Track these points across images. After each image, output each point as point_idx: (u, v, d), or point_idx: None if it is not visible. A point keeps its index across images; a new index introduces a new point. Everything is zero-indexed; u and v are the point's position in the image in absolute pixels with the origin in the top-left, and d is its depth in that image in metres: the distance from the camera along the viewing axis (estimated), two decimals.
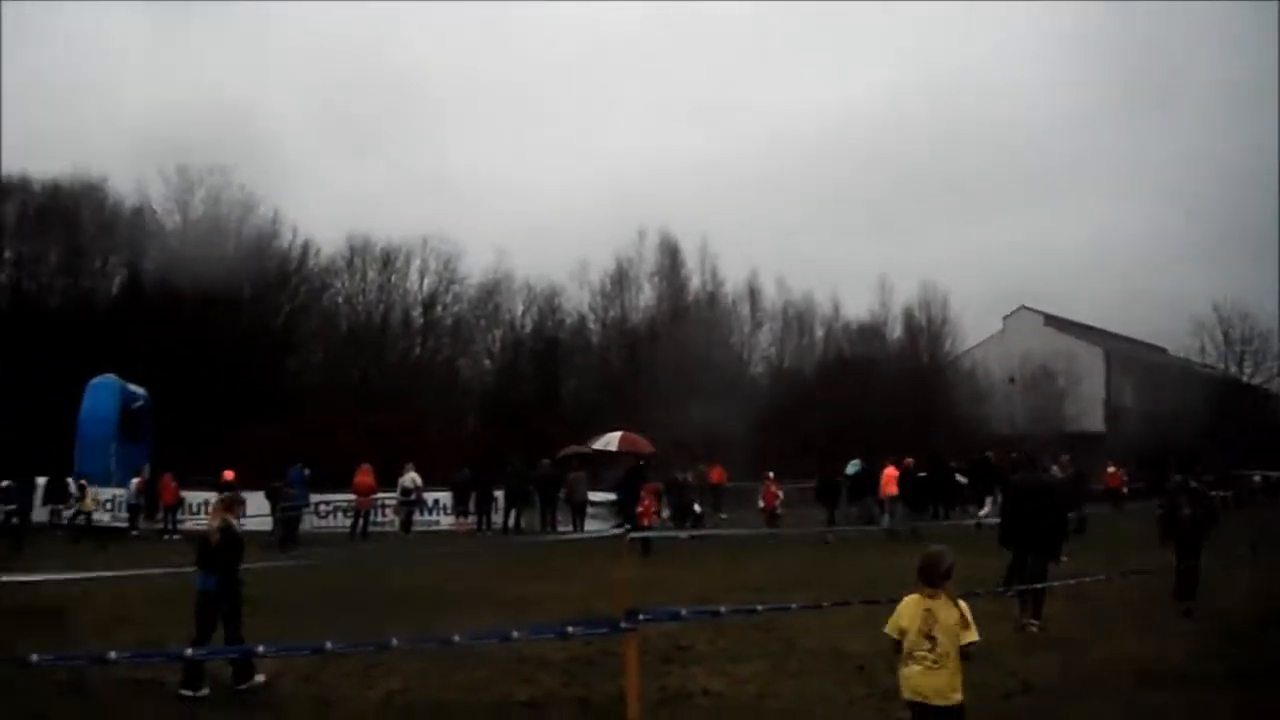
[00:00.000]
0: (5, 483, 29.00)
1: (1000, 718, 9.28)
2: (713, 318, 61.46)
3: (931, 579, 6.99)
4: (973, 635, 6.89)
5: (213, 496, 30.83)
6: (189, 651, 7.87)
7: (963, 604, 6.94)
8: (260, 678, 10.78)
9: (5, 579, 14.20)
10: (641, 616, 7.79)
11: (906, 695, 6.97)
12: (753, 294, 62.87)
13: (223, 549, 11.25)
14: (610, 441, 34.32)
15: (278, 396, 50.09)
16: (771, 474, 32.24)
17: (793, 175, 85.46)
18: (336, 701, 10.35)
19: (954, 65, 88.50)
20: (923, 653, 6.85)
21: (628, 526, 21.40)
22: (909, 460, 30.93)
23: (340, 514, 32.17)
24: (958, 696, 6.82)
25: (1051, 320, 66.44)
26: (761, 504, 31.74)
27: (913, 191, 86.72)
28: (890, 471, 30.54)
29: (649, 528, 25.27)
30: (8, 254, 57.58)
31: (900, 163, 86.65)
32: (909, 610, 6.99)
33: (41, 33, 78.33)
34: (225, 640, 10.79)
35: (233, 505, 12.00)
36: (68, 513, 30.71)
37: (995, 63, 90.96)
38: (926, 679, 6.84)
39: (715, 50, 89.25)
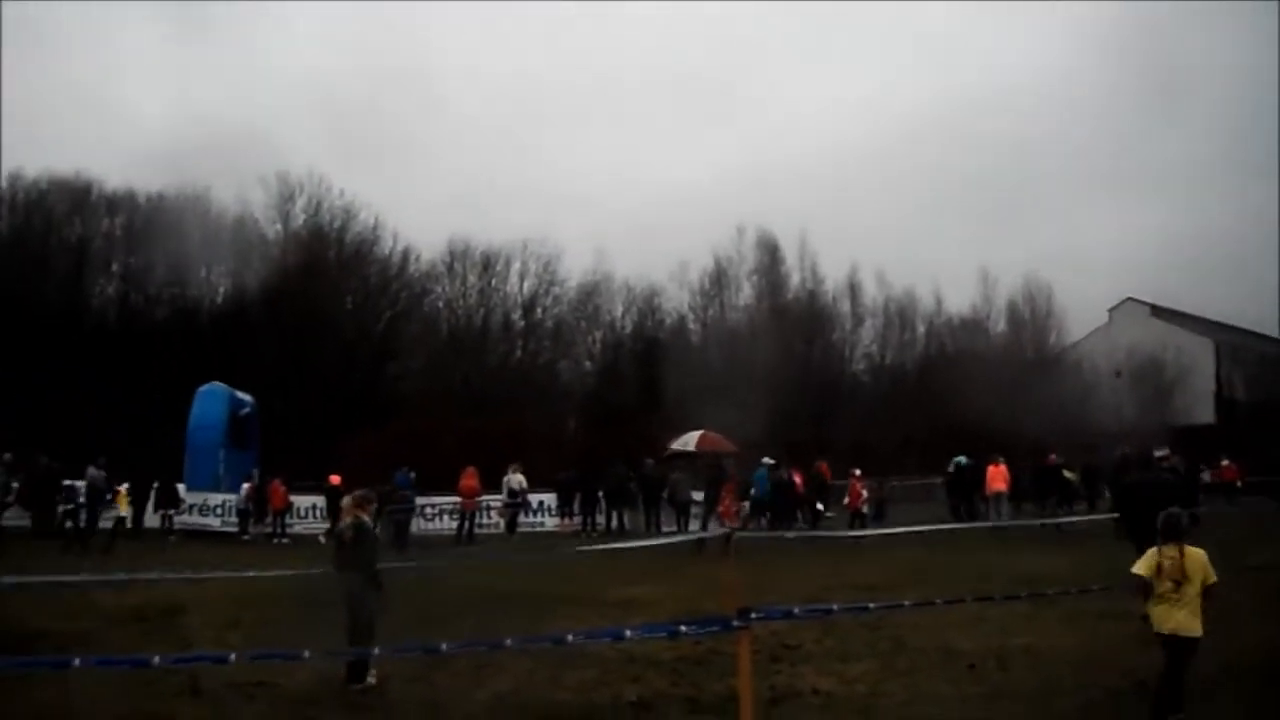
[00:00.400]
0: (67, 481, 30.06)
1: (1118, 717, 9.14)
2: (813, 315, 61.07)
3: (1174, 534, 8.70)
4: (1213, 577, 8.56)
5: (320, 501, 31.76)
6: (306, 653, 7.98)
7: (1201, 552, 8.63)
8: (371, 679, 10.95)
9: (122, 578, 14.61)
10: (754, 615, 7.76)
11: (1162, 630, 8.60)
12: (853, 290, 62.17)
13: (356, 545, 11.57)
14: (689, 441, 33.62)
15: (380, 401, 50.75)
16: (858, 471, 31.82)
17: (892, 169, 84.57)
18: (446, 702, 10.42)
19: (1057, 57, 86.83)
20: (1173, 594, 8.54)
21: (730, 528, 21.43)
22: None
23: (446, 516, 32.49)
24: (1199, 629, 8.51)
25: (1159, 311, 64.97)
26: (847, 501, 31.32)
27: (1015, 182, 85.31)
28: (996, 468, 30.19)
29: (730, 527, 25.06)
30: (115, 267, 59.03)
31: (1003, 153, 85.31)
32: (1151, 560, 8.69)
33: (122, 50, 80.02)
34: (351, 635, 11.03)
35: (365, 503, 12.26)
36: (179, 516, 31.43)
37: (1097, 55, 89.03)
38: (1177, 614, 8.53)
39: (811, 46, 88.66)
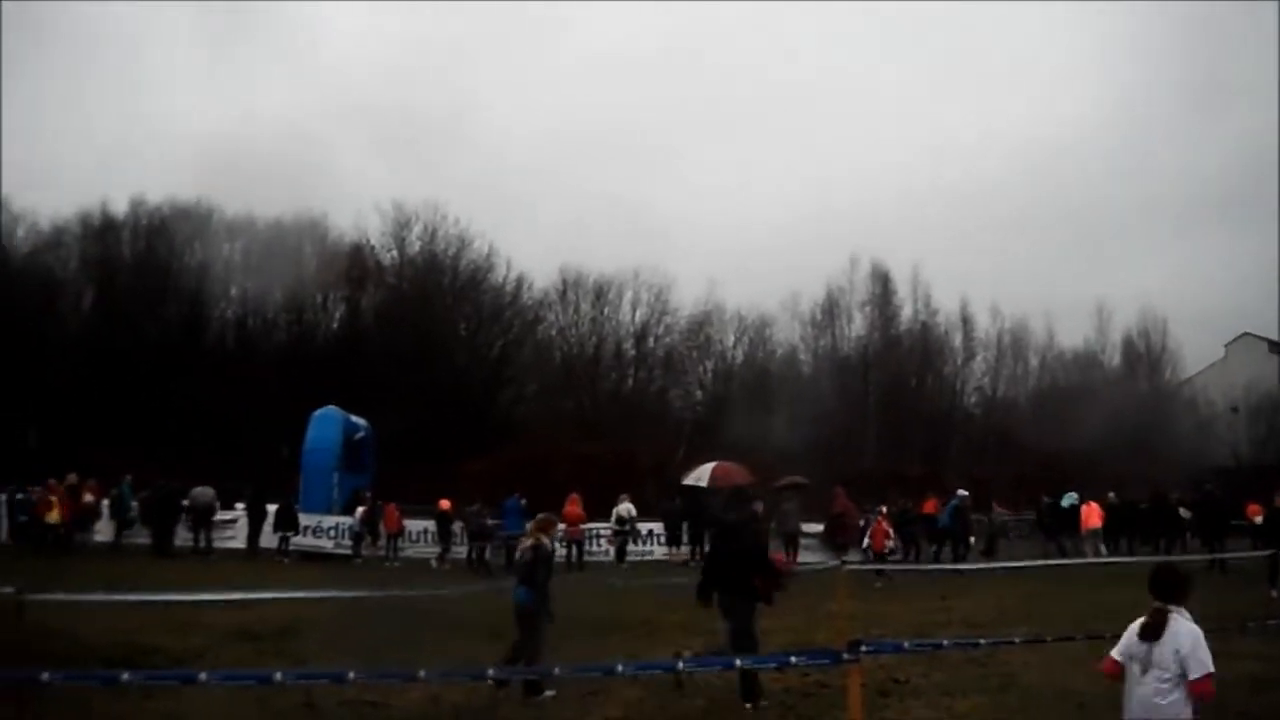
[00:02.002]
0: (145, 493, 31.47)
1: None
2: (925, 347, 60.57)
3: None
4: None
5: (431, 525, 32.26)
6: (421, 674, 8.16)
7: None
8: (550, 693, 11.33)
9: (238, 597, 15.00)
10: (864, 648, 7.82)
11: None
12: (965, 322, 61.29)
13: (534, 565, 12.18)
14: (701, 476, 31.96)
15: (493, 428, 51.28)
16: (884, 509, 30.74)
17: (1005, 200, 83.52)
18: None
19: (1170, 84, 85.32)
20: None
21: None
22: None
23: (556, 544, 32.67)
24: None
25: (1277, 347, 63.39)
26: (868, 543, 29.61)
27: (1130, 215, 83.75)
28: (1090, 506, 29.92)
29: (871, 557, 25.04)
30: (234, 291, 60.52)
31: (1117, 186, 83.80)
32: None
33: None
34: (514, 652, 11.69)
35: (548, 526, 13.15)
36: (295, 538, 32.11)
37: (1212, 84, 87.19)
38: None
39: (923, 76, 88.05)
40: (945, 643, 10.38)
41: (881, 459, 46.58)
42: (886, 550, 28.64)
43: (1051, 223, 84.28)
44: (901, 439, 48.99)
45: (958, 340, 61.74)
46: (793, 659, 8.44)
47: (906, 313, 61.23)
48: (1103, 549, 30.31)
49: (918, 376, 59.06)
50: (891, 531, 29.94)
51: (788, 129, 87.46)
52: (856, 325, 61.08)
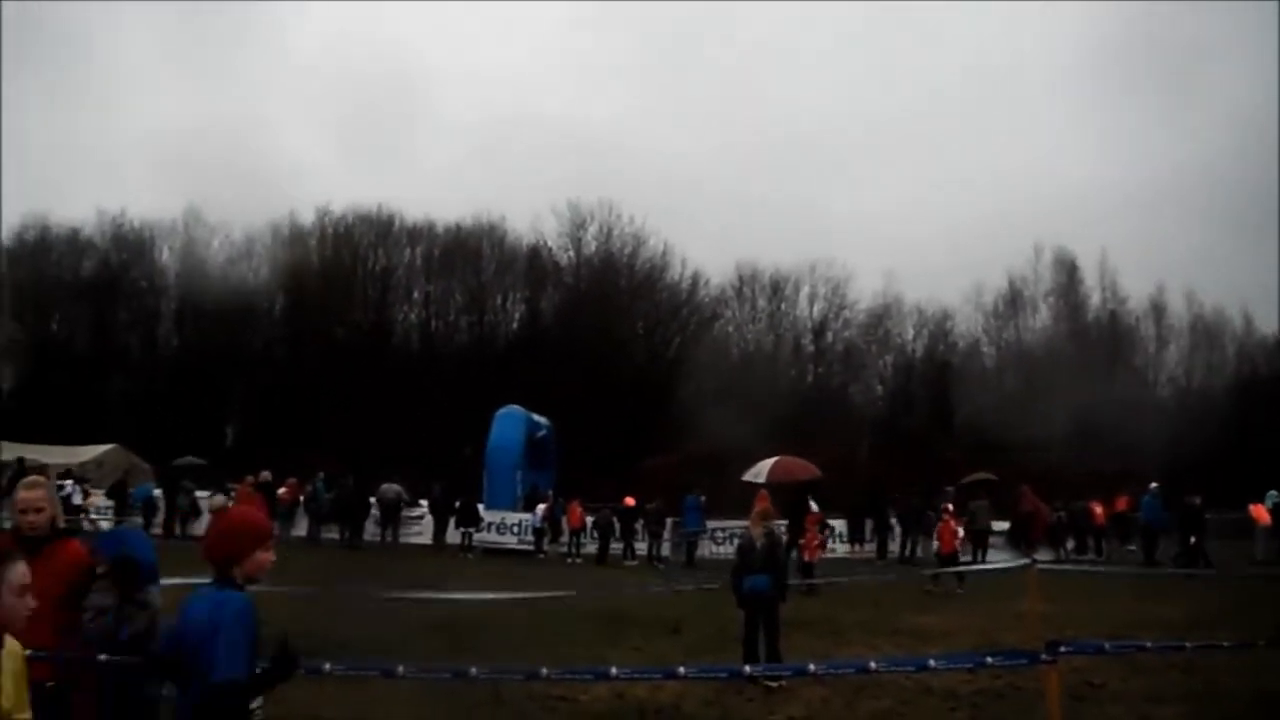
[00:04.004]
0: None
1: None
2: (1114, 337, 58.67)
3: None
4: None
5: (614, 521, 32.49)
6: (614, 670, 8.16)
7: None
8: (783, 682, 11.39)
9: (427, 596, 15.24)
10: (1063, 649, 7.52)
11: None
12: (1157, 310, 59.06)
13: (770, 552, 12.59)
14: (760, 472, 29.99)
15: (672, 425, 51.45)
16: (950, 506, 28.15)
17: (1198, 181, 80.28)
18: None
19: None
20: None
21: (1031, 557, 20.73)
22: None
23: (735, 540, 32.54)
24: None
25: None
26: (936, 544, 27.04)
27: None
28: (1256, 506, 28.82)
29: (811, 563, 23.77)
30: (416, 295, 62.01)
31: None
32: None
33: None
34: (750, 636, 11.95)
35: (770, 515, 13.59)
36: (478, 534, 32.64)
37: None
38: None
39: (1104, 61, 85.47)
40: (1148, 644, 9.93)
41: (1070, 453, 45.30)
42: (957, 552, 26.05)
43: (1247, 202, 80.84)
44: (1090, 432, 47.49)
45: (1149, 329, 59.67)
46: (989, 659, 8.17)
47: (1094, 301, 59.56)
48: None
49: (1107, 367, 57.23)
50: (961, 532, 27.56)
51: (964, 116, 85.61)
52: (1041, 316, 59.77)
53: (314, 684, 10.25)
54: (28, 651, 5.78)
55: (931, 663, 8.42)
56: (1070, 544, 32.08)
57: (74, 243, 62.21)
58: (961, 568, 23.43)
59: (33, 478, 6.68)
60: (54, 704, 5.86)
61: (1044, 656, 7.36)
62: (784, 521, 30.60)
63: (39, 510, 6.08)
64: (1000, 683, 11.49)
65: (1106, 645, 9.07)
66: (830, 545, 30.87)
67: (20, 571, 4.00)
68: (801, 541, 24.16)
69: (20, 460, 33.81)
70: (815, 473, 29.63)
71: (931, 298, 59.95)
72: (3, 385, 63.54)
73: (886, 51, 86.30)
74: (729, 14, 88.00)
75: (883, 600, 20.36)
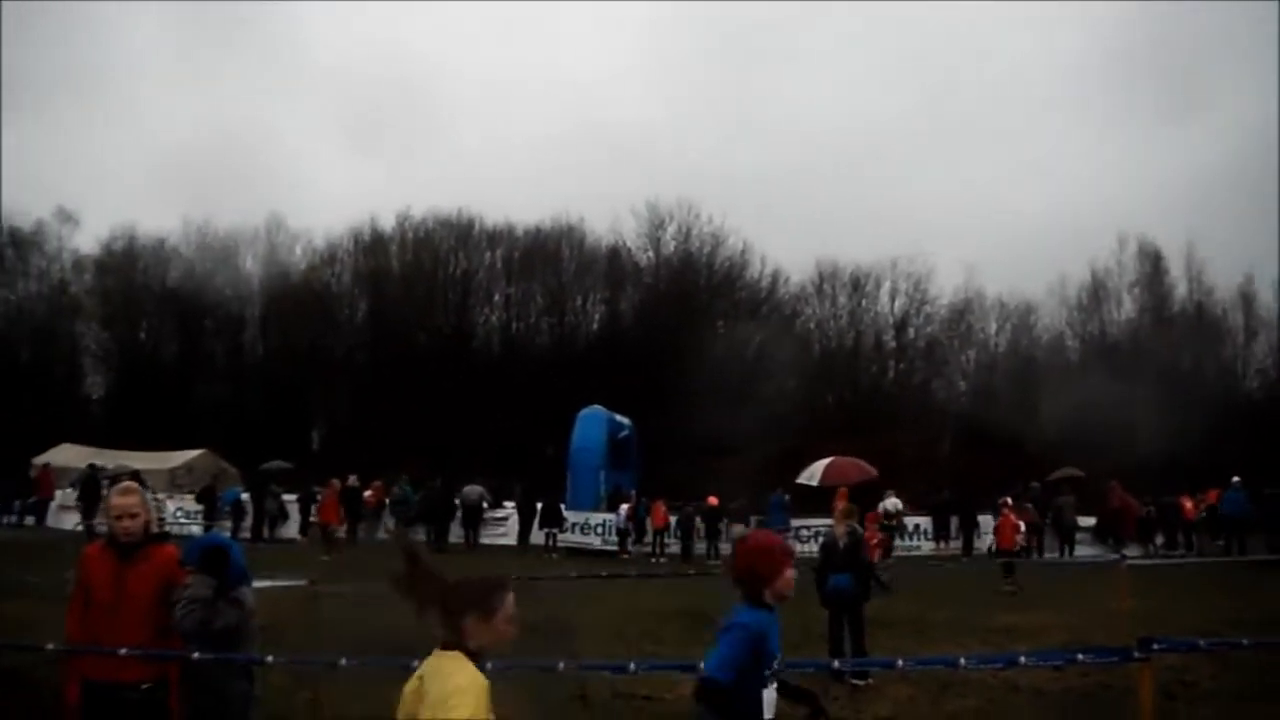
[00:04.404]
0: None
1: None
2: (1201, 328, 57.50)
3: None
4: None
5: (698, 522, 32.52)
6: (702, 665, 8.16)
7: None
8: (870, 680, 11.48)
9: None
10: (1156, 646, 7.35)
11: None
12: (1245, 301, 57.40)
13: (852, 550, 12.67)
14: (814, 474, 29.60)
15: (754, 423, 51.31)
16: (1009, 500, 27.25)
17: None
18: None
19: None
20: None
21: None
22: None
23: (819, 539, 32.43)
24: None
25: None
26: (993, 541, 26.42)
27: None
28: None
29: (872, 563, 23.03)
30: (497, 297, 62.48)
31: None
32: None
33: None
34: (834, 633, 12.12)
35: (853, 513, 13.74)
36: (562, 534, 32.80)
37: None
38: None
39: (1188, 48, 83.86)
40: (1245, 641, 9.69)
41: (1157, 448, 44.51)
42: (1017, 548, 25.24)
43: None
44: (1178, 426, 46.60)
45: (1239, 320, 58.35)
46: (1080, 656, 8.05)
47: (1180, 292, 58.28)
48: None
49: (1194, 359, 56.16)
50: (1022, 526, 26.64)
51: (1046, 109, 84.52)
52: (1125, 308, 58.75)
53: (401, 680, 10.38)
54: (122, 651, 5.93)
55: (1022, 659, 8.33)
56: (1160, 539, 31.60)
57: (160, 252, 63.36)
58: (1029, 564, 23.15)
59: (126, 483, 6.80)
60: (151, 705, 6.00)
61: (1136, 654, 7.15)
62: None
63: (133, 516, 6.17)
64: (1089, 681, 11.34)
65: (1201, 642, 8.86)
66: (894, 545, 30.63)
67: (510, 600, 4.25)
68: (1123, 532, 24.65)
69: (91, 467, 34.63)
70: (871, 473, 29.09)
71: (1014, 291, 59.27)
72: (94, 393, 64.99)
73: (965, 44, 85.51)
74: (806, 11, 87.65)
75: (969, 598, 20.15)
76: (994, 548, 26.01)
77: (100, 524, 31.76)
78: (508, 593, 4.28)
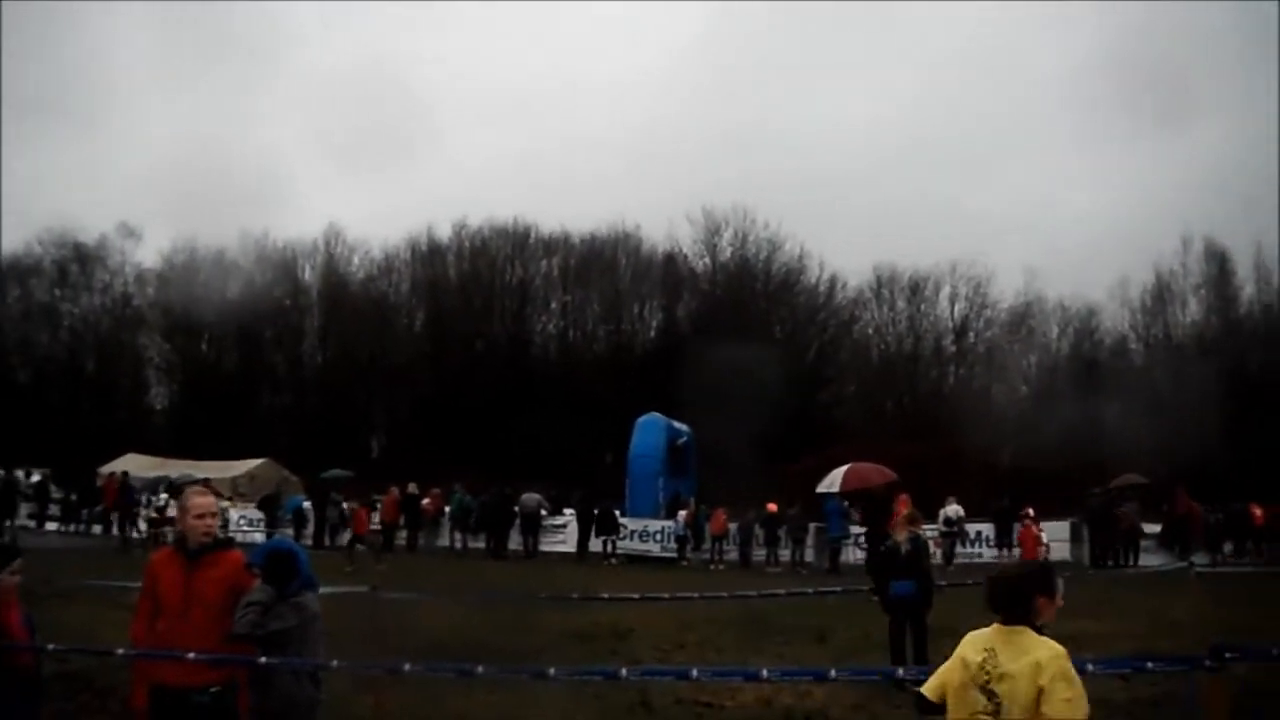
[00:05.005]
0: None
1: None
2: (1269, 330, 56.55)
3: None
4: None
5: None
6: (764, 672, 8.09)
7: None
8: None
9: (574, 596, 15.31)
10: (1229, 655, 7.17)
11: None
12: None
13: (914, 557, 12.56)
14: (833, 481, 29.67)
15: (813, 429, 51.15)
16: (1030, 511, 27.11)
17: None
18: None
19: None
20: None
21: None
22: None
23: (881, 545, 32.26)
24: None
25: None
26: (1019, 551, 26.19)
27: None
28: None
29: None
30: (554, 305, 62.73)
31: None
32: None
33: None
34: (897, 640, 12.05)
35: (916, 519, 13.57)
36: (621, 542, 32.75)
37: None
38: None
39: (1246, 47, 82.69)
40: None
41: (1225, 453, 43.84)
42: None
43: None
44: (1248, 431, 45.87)
45: None
46: (1149, 665, 7.88)
47: (1247, 293, 57.42)
48: None
49: (1262, 362, 55.29)
50: (1044, 538, 26.87)
51: (1106, 109, 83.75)
52: (1191, 310, 57.96)
53: (465, 686, 10.46)
54: (190, 655, 5.97)
55: (1089, 667, 8.15)
56: (1228, 547, 31.10)
57: (220, 264, 64.14)
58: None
59: (198, 486, 6.91)
60: (219, 709, 6.04)
61: (1208, 662, 6.98)
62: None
63: (213, 515, 6.34)
64: (1156, 690, 11.09)
65: (1276, 651, 8.63)
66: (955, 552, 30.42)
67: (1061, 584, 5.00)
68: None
69: (125, 474, 35.13)
70: (891, 477, 28.92)
71: (1075, 294, 58.76)
72: (158, 404, 65.91)
73: (1022, 46, 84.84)
74: (864, 14, 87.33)
75: None
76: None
77: (133, 532, 32.32)
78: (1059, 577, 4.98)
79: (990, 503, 33.40)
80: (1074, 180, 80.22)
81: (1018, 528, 28.31)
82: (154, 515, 31.87)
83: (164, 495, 32.53)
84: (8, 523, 32.51)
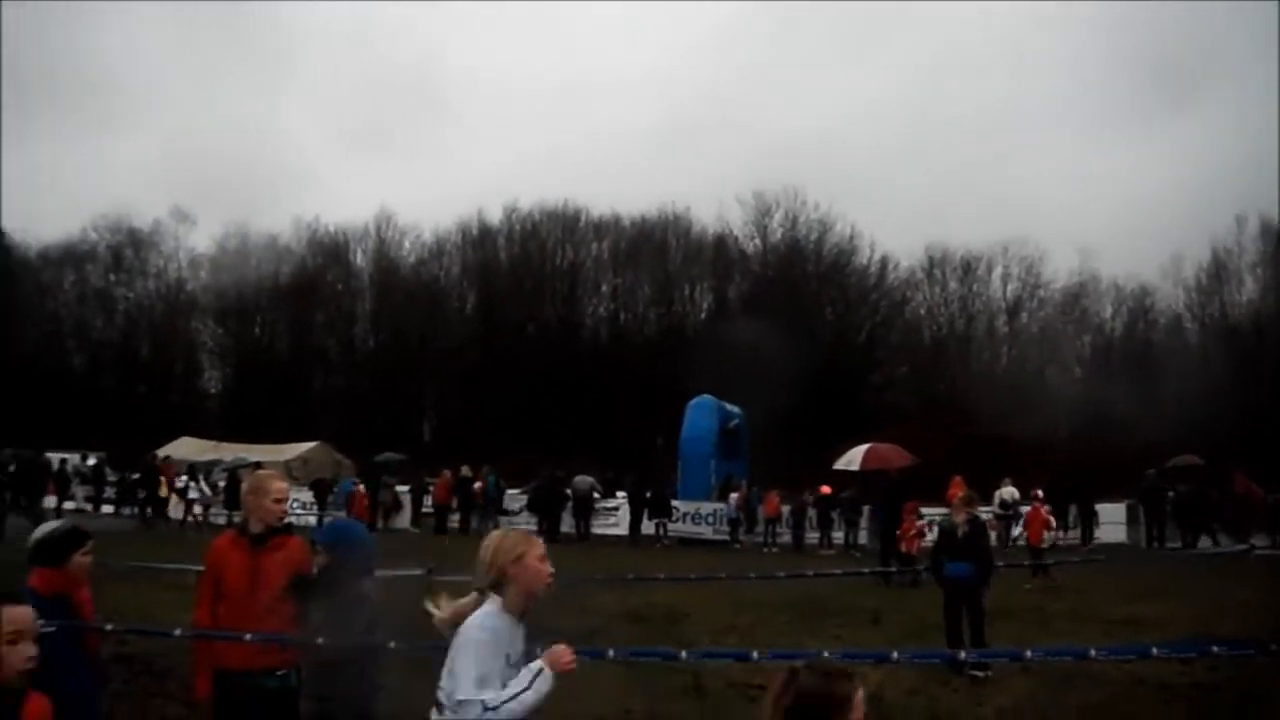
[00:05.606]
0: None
1: None
2: None
3: None
4: None
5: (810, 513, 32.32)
6: (825, 654, 8.01)
7: None
8: (989, 672, 11.35)
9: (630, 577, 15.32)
10: None
11: None
12: None
13: (972, 539, 12.52)
14: (853, 460, 30.17)
15: (866, 411, 50.91)
16: (1040, 493, 26.45)
17: None
18: (946, 716, 10.26)
19: None
20: None
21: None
22: None
23: (935, 527, 32.02)
24: None
25: None
26: (1026, 536, 25.34)
27: None
28: None
29: (910, 554, 21.66)
30: (604, 288, 62.73)
31: None
32: None
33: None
34: (952, 625, 12.04)
35: (973, 501, 13.47)
36: (673, 524, 32.75)
37: None
38: None
39: None
40: None
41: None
42: (1044, 544, 24.29)
43: None
44: None
45: None
46: (1215, 649, 7.76)
47: None
48: None
49: None
50: (1053, 521, 26.15)
51: (1156, 87, 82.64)
52: (1248, 289, 57.11)
53: None
54: (247, 636, 6.00)
55: (1154, 651, 8.06)
56: None
57: (272, 249, 64.67)
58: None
59: (264, 469, 6.98)
60: (284, 691, 6.09)
61: (1274, 647, 6.86)
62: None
63: (286, 499, 6.46)
64: (1218, 675, 10.95)
65: None
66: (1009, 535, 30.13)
67: None
68: (898, 532, 22.54)
69: (153, 455, 35.45)
70: (909, 459, 29.09)
71: (1129, 274, 57.94)
72: (212, 388, 66.59)
73: (1072, 28, 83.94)
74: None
75: (1091, 588, 19.69)
76: (1026, 543, 24.90)
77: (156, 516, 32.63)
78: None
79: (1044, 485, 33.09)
80: (1127, 158, 79.34)
81: (1025, 509, 27.86)
82: (199, 496, 32.40)
83: (216, 480, 33.02)
84: (26, 505, 31.41)
